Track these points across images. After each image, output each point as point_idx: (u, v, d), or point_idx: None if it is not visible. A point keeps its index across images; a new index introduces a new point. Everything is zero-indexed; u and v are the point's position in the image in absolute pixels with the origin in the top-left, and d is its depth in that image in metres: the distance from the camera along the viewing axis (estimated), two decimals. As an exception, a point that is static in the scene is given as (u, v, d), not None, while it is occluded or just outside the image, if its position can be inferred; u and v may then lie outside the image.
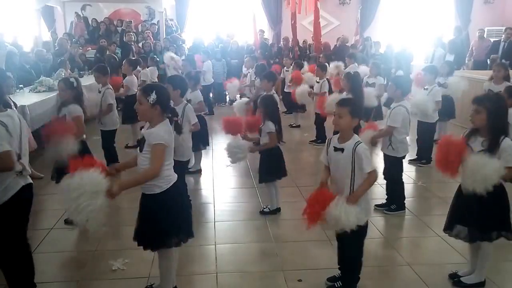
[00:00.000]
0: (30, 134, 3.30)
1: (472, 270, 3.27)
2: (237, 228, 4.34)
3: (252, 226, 4.36)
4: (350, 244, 3.00)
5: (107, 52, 10.01)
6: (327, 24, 13.59)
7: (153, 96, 2.72)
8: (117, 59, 9.35)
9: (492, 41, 11.23)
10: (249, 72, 8.75)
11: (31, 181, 2.94)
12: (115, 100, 5.52)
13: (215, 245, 3.94)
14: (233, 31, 12.74)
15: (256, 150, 4.50)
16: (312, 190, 2.96)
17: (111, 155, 5.69)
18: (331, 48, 12.17)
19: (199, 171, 5.86)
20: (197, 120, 4.54)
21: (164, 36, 11.88)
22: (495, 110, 2.93)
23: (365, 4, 13.94)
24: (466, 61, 11.28)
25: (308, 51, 12.23)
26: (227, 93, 11.19)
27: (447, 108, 6.43)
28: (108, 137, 5.60)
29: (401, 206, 4.58)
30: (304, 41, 12.46)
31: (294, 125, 8.66)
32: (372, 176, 2.87)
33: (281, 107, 7.80)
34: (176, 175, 2.91)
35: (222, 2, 13.87)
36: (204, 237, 4.09)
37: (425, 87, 5.96)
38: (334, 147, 2.96)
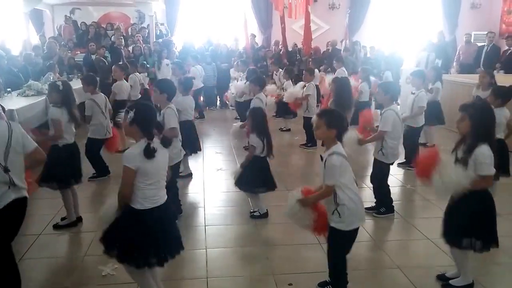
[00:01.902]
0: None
1: (459, 272, 3.32)
2: (228, 232, 4.34)
3: (242, 230, 4.36)
4: (332, 248, 3.06)
5: (96, 56, 9.93)
6: (317, 29, 13.65)
7: (131, 115, 2.74)
8: (106, 63, 9.29)
9: (478, 45, 11.38)
10: (240, 76, 8.75)
11: (25, 195, 2.88)
12: (96, 110, 5.51)
13: (206, 249, 3.94)
14: (237, 37, 12.68)
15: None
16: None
17: (96, 163, 5.67)
18: (321, 53, 12.25)
19: (189, 175, 5.85)
20: (176, 126, 4.31)
21: (154, 40, 11.85)
22: (478, 117, 3.02)
23: (354, 8, 14.04)
24: (454, 65, 11.44)
25: (297, 55, 12.27)
26: (218, 97, 11.26)
27: (435, 114, 6.49)
28: (90, 145, 5.60)
29: (390, 209, 4.62)
30: (294, 44, 12.51)
31: (285, 128, 8.68)
32: (326, 190, 2.93)
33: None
34: (166, 196, 2.88)
35: (212, 6, 13.88)
36: (195, 241, 4.08)
37: (413, 92, 6.01)
38: (320, 155, 3.06)
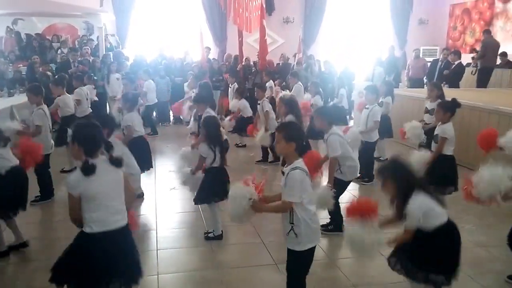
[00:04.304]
0: None
1: None
2: (181, 255, 4.17)
3: (196, 253, 4.20)
4: (289, 271, 2.98)
5: (40, 70, 9.41)
6: (272, 42, 13.74)
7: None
8: (50, 77, 8.82)
9: (426, 60, 11.89)
10: (193, 92, 8.59)
11: None
12: (45, 122, 5.17)
13: (158, 275, 3.76)
14: (191, 50, 12.48)
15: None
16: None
17: (43, 181, 5.33)
18: (274, 65, 12.31)
19: (141, 195, 5.60)
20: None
21: (104, 52, 11.46)
22: (397, 176, 2.93)
23: (308, 23, 14.28)
24: (403, 79, 11.88)
25: (253, 68, 12.26)
26: (171, 113, 10.97)
27: (384, 127, 6.61)
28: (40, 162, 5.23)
29: (337, 227, 4.50)
30: (246, 58, 12.47)
31: (240, 144, 8.56)
32: (284, 205, 2.83)
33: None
34: (124, 221, 2.75)
35: (165, 18, 13.68)
36: (146, 267, 3.82)
37: (366, 107, 6.11)
38: (281, 170, 2.98)
